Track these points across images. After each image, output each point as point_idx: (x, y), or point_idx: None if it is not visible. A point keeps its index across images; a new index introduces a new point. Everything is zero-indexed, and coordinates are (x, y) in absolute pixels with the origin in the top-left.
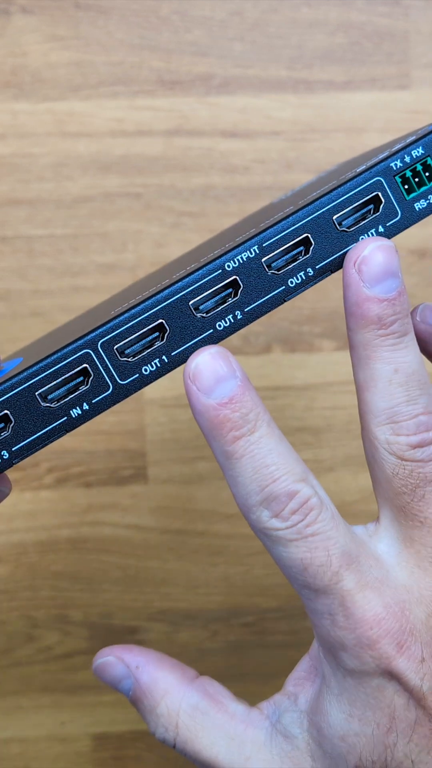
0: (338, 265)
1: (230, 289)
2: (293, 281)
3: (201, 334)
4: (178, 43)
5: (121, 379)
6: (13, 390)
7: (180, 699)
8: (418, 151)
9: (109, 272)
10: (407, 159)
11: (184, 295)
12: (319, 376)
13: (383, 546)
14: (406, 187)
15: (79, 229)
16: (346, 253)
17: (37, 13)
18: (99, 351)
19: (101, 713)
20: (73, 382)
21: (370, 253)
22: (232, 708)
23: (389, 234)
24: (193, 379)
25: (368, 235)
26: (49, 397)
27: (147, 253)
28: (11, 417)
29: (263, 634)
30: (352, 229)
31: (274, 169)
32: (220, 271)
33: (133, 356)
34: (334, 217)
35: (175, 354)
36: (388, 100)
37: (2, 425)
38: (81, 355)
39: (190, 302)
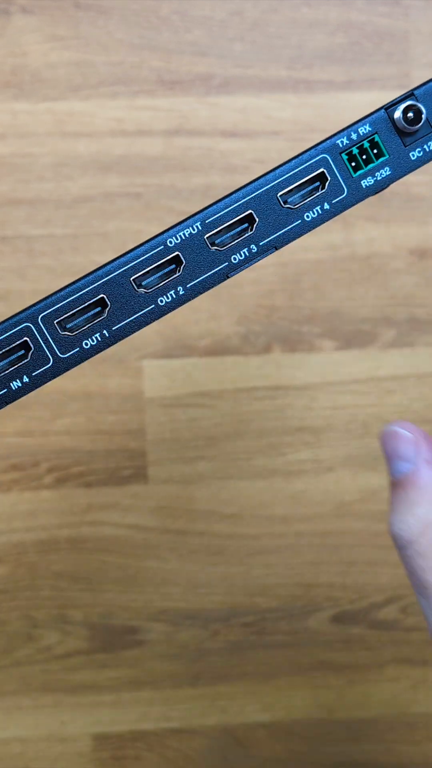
0: (282, 241)
1: (173, 265)
2: (236, 257)
3: (142, 310)
4: (178, 43)
5: (61, 353)
6: None
7: None
8: (365, 129)
9: None
10: (354, 136)
11: (125, 270)
12: (319, 376)
13: None
14: (353, 164)
15: (79, 229)
16: (290, 229)
17: (37, 13)
18: (39, 324)
19: (101, 713)
20: (14, 356)
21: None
22: None
23: (335, 211)
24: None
25: (315, 212)
26: None
27: None
28: None
29: (263, 634)
30: (297, 206)
31: None
32: (162, 247)
33: (74, 330)
34: (279, 194)
35: (117, 329)
36: (388, 99)
37: None
38: (21, 328)
39: (132, 278)
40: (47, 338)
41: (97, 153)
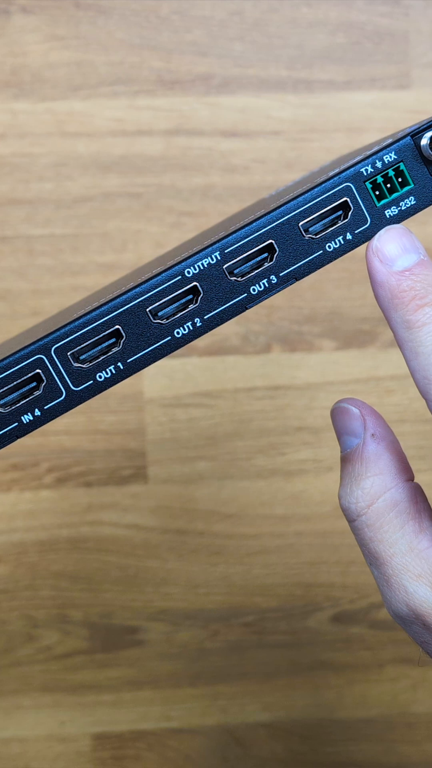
0: (303, 272)
1: (190, 296)
2: (255, 289)
3: (158, 342)
4: (178, 43)
5: (74, 386)
6: None
7: (388, 487)
8: (390, 157)
9: (109, 272)
10: (378, 164)
11: (141, 301)
12: (319, 375)
13: None
14: (377, 193)
15: (79, 229)
16: (312, 260)
17: (37, 13)
18: (52, 356)
19: (101, 713)
20: (26, 388)
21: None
22: (426, 524)
23: (357, 242)
24: (376, 252)
25: (337, 243)
26: (1, 402)
27: (147, 253)
28: None
29: (263, 633)
30: (318, 236)
31: (274, 169)
32: (180, 277)
33: (88, 362)
34: (301, 224)
35: (131, 361)
36: (388, 99)
37: None
38: (34, 360)
39: (148, 309)
40: (60, 370)
41: (97, 153)
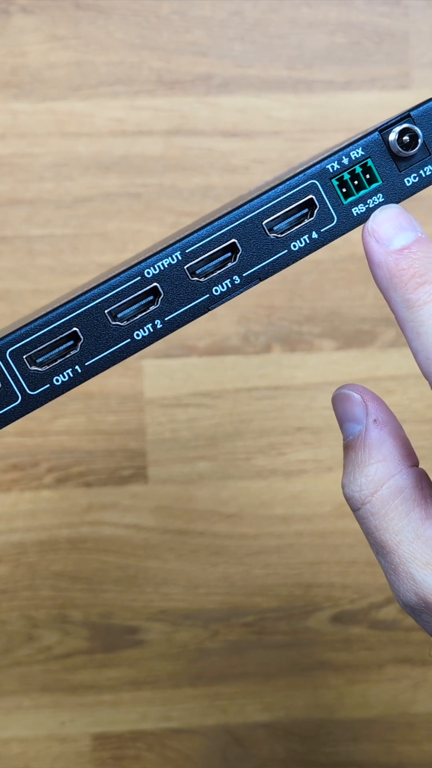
0: (268, 272)
1: (151, 297)
2: (218, 289)
3: (117, 344)
4: (178, 43)
5: (30, 390)
6: None
7: (392, 473)
8: (357, 153)
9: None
10: (345, 161)
11: (99, 302)
12: (319, 375)
13: None
14: (344, 190)
15: (79, 229)
16: (276, 259)
17: (37, 13)
18: (7, 359)
19: (101, 713)
20: None
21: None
22: None
23: (324, 241)
24: (372, 232)
25: (302, 242)
26: None
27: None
28: None
29: (263, 633)
30: (283, 235)
31: (274, 169)
32: (140, 278)
33: (45, 366)
34: (264, 222)
35: (90, 364)
36: (388, 100)
37: None
38: None
39: (107, 310)
40: (16, 374)
41: (97, 153)
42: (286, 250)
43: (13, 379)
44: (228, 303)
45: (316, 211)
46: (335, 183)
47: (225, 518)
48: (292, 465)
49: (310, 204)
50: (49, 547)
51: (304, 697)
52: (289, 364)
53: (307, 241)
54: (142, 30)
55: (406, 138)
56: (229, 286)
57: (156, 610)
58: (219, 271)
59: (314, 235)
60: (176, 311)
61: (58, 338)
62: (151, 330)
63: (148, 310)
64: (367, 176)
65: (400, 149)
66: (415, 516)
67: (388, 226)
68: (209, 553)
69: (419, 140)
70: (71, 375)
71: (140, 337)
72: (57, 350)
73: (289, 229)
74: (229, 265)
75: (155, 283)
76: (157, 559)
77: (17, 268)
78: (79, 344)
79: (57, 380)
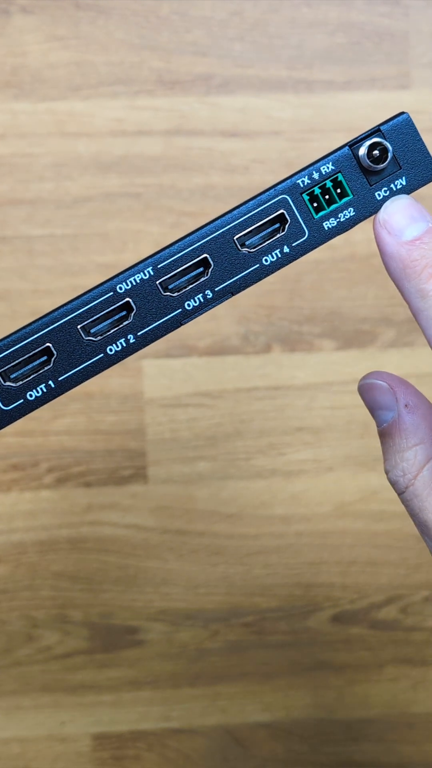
0: (239, 287)
1: (123, 312)
2: (191, 304)
3: (90, 359)
4: (178, 43)
5: (4, 405)
6: None
7: (431, 455)
8: (327, 167)
9: (109, 272)
10: (315, 175)
11: (72, 317)
12: (319, 376)
13: None
14: (315, 205)
15: (79, 229)
16: (248, 274)
17: (37, 13)
18: None
19: (101, 713)
20: None
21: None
22: None
23: (296, 255)
24: (384, 224)
25: (274, 256)
26: None
27: (147, 253)
28: None
29: (263, 634)
30: (255, 250)
31: (274, 169)
32: (112, 293)
33: (19, 381)
34: (236, 237)
35: (63, 379)
36: (388, 100)
37: None
38: None
39: (79, 325)
40: None
41: (97, 153)
42: (257, 265)
43: None
44: (228, 303)
45: (287, 226)
46: (306, 198)
47: (225, 518)
48: (292, 465)
49: (281, 219)
50: (49, 547)
51: (304, 697)
52: (289, 364)
53: (279, 256)
54: (142, 30)
55: (375, 152)
56: (202, 300)
57: (156, 610)
58: (191, 286)
59: (286, 249)
60: (149, 326)
61: (31, 353)
62: (124, 345)
63: (121, 325)
64: (338, 190)
65: (370, 163)
66: None
67: (400, 216)
68: (209, 553)
69: (389, 154)
70: (45, 390)
71: (113, 351)
72: (30, 366)
73: (260, 244)
74: (202, 279)
75: (128, 298)
76: (157, 559)
77: (17, 268)
78: (53, 359)
79: (31, 395)
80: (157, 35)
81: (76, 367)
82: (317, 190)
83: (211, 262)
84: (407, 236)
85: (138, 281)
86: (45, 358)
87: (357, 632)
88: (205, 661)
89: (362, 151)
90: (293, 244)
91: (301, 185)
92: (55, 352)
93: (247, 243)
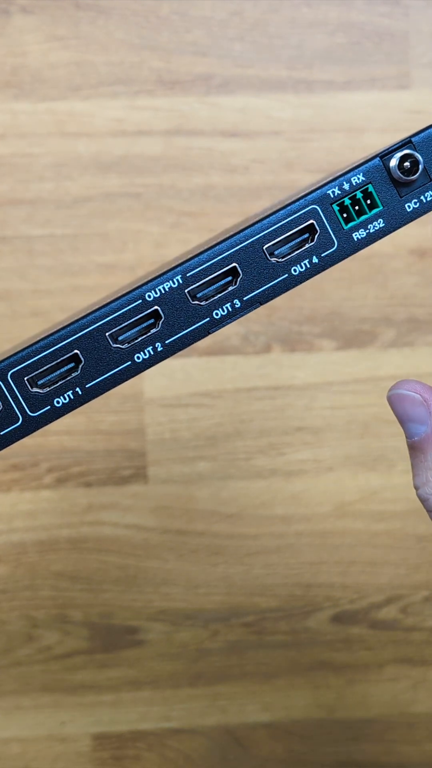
0: (268, 296)
1: (152, 320)
2: (218, 313)
3: (118, 366)
4: (178, 43)
5: (31, 411)
6: None
7: None
8: (358, 178)
9: (109, 272)
10: (346, 186)
11: (100, 325)
12: (319, 376)
13: None
14: (345, 215)
15: (79, 229)
16: (276, 283)
17: (37, 13)
18: (9, 381)
19: (101, 713)
20: None
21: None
22: None
23: (324, 265)
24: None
25: (303, 266)
26: None
27: (147, 253)
28: None
29: (263, 634)
30: (284, 260)
31: (274, 169)
32: (140, 301)
33: (46, 387)
34: (265, 247)
35: (90, 386)
36: (388, 100)
37: None
38: None
39: (108, 333)
40: (17, 396)
41: (97, 153)
42: (286, 275)
43: (14, 401)
44: None
45: (316, 236)
46: (336, 208)
47: (225, 518)
48: (292, 465)
49: (310, 229)
50: (49, 547)
51: (304, 697)
52: (289, 364)
53: (308, 266)
54: (142, 30)
55: (407, 164)
56: (230, 309)
57: (156, 610)
58: (220, 295)
59: (315, 259)
60: (177, 334)
61: (59, 360)
62: (152, 353)
63: (149, 333)
64: (368, 201)
65: (401, 175)
66: None
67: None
68: (209, 553)
69: (420, 166)
70: (72, 397)
71: (141, 359)
72: (58, 372)
73: (289, 254)
74: (230, 288)
75: (156, 307)
76: (157, 559)
77: (17, 268)
78: (80, 366)
79: (58, 402)
80: (157, 35)
81: (104, 375)
82: (347, 201)
83: (240, 272)
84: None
85: (167, 289)
86: (72, 364)
87: (357, 632)
88: (205, 661)
89: (393, 162)
90: (322, 255)
91: (332, 195)
92: (82, 359)
93: (276, 252)
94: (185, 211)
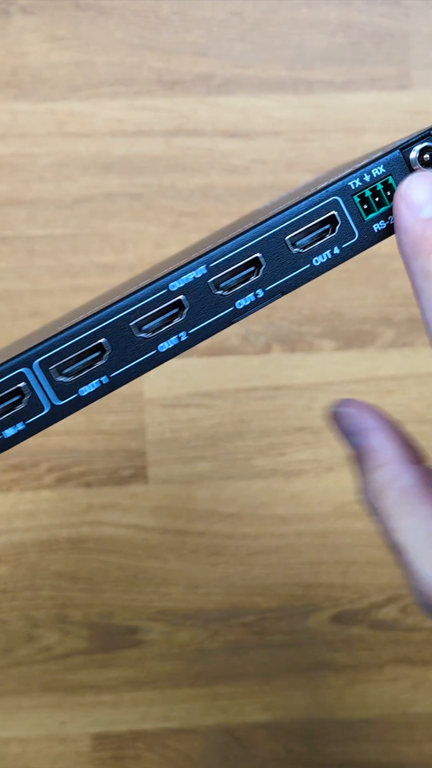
0: (290, 286)
1: (176, 310)
2: (242, 303)
3: (143, 356)
4: (178, 43)
5: (58, 400)
6: None
7: (397, 475)
8: (378, 170)
9: (109, 272)
10: (367, 178)
11: (125, 315)
12: (319, 375)
13: None
14: (365, 207)
15: (79, 229)
16: (298, 274)
17: (37, 13)
18: (35, 370)
19: (101, 713)
20: (9, 401)
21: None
22: None
23: (345, 256)
24: (404, 197)
25: (324, 257)
26: None
27: (147, 253)
28: None
29: (263, 634)
30: (306, 250)
31: (274, 169)
32: (165, 291)
33: (72, 376)
34: (287, 237)
35: (115, 375)
36: (388, 100)
37: None
38: (17, 374)
39: (132, 322)
40: (43, 384)
41: (97, 153)
42: (308, 265)
43: (40, 390)
44: None
45: (338, 227)
46: (357, 200)
47: (225, 518)
48: (292, 465)
49: (332, 220)
50: (49, 547)
51: (304, 697)
52: (289, 364)
53: (329, 257)
54: (142, 30)
55: (426, 156)
56: (253, 299)
57: (156, 610)
58: (243, 285)
59: (336, 250)
60: (200, 324)
61: (85, 349)
62: (176, 342)
63: (173, 323)
64: (388, 193)
65: (421, 167)
66: (424, 513)
67: (421, 192)
68: (209, 553)
69: None
70: (97, 385)
71: (164, 349)
72: (84, 361)
73: (311, 245)
74: (253, 279)
75: (180, 296)
76: (157, 559)
77: (17, 268)
78: (105, 355)
79: (83, 390)
80: (157, 35)
81: (129, 364)
82: (368, 193)
83: (263, 262)
84: (425, 214)
85: (191, 279)
86: (98, 353)
87: (357, 632)
88: (205, 661)
89: (413, 155)
90: (343, 246)
91: (353, 187)
92: (108, 348)
93: (298, 243)
94: (185, 211)
